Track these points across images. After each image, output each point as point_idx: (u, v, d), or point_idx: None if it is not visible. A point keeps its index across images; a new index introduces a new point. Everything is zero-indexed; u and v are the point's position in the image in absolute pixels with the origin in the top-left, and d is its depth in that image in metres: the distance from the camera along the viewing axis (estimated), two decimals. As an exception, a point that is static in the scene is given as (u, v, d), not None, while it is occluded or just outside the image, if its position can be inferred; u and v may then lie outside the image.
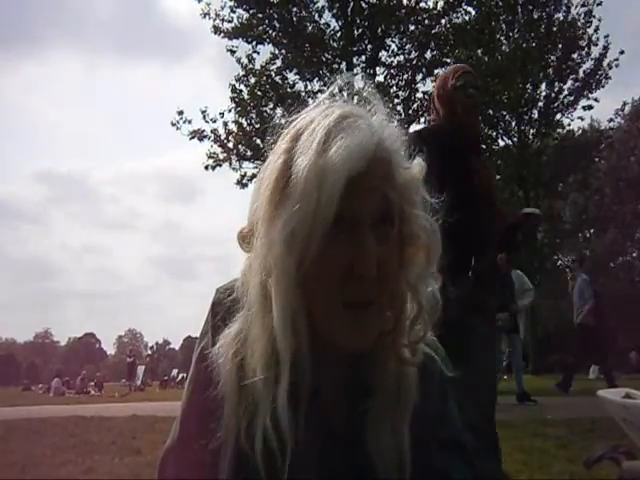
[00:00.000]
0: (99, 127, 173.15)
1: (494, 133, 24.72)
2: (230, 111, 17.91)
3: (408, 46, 18.05)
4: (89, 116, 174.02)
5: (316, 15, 17.75)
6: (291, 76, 17.95)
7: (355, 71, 17.75)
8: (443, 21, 17.69)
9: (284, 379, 0.77)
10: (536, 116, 26.43)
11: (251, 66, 17.85)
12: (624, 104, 33.03)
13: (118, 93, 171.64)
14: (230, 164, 17.81)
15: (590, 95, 25.52)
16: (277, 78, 17.77)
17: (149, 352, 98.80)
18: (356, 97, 0.89)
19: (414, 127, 18.09)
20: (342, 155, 0.75)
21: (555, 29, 24.25)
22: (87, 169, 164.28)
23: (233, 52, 17.91)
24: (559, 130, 26.65)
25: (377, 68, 18.07)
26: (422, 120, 18.67)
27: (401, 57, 18.20)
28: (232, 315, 0.85)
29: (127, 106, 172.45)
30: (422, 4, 17.47)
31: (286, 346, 0.77)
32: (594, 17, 24.60)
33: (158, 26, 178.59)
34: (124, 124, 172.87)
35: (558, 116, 26.27)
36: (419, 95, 18.52)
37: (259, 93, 17.76)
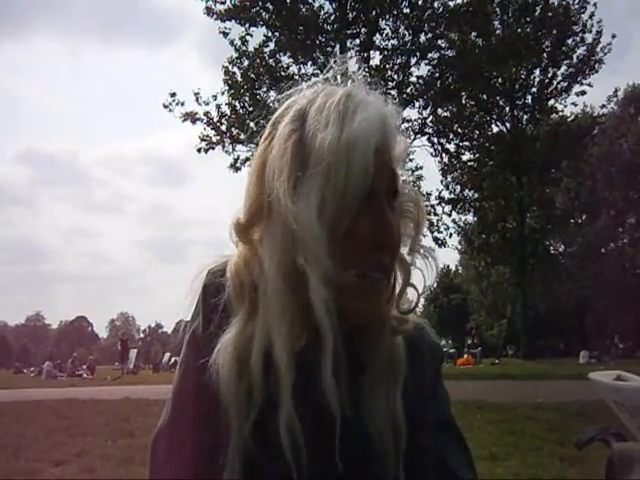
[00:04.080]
0: (85, 109, 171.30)
1: (488, 118, 24.70)
2: (223, 94, 17.80)
3: (402, 29, 17.95)
4: (75, 98, 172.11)
5: (310, -3, 17.58)
6: (285, 59, 17.83)
7: (349, 54, 17.61)
8: (436, 4, 17.57)
9: (328, 351, 0.76)
10: (530, 101, 26.43)
11: (244, 48, 17.68)
12: (616, 90, 33.03)
13: (104, 75, 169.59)
14: (223, 147, 17.72)
15: (584, 81, 25.56)
16: (271, 61, 17.63)
17: (141, 335, 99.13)
18: (349, 81, 0.88)
19: (408, 111, 18.08)
20: (367, 127, 0.77)
21: (550, 14, 24.16)
22: (74, 151, 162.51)
23: (226, 34, 17.74)
24: (552, 116, 26.66)
25: (371, 52, 17.97)
26: (416, 104, 18.65)
27: (395, 41, 18.11)
28: (223, 298, 0.84)
29: (113, 88, 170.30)
30: (416, -13, 17.34)
31: (327, 315, 0.75)
32: (588, 3, 24.57)
33: (144, 8, 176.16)
34: (110, 106, 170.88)
35: (552, 102, 26.31)
36: (413, 79, 18.47)
37: (252, 76, 17.62)
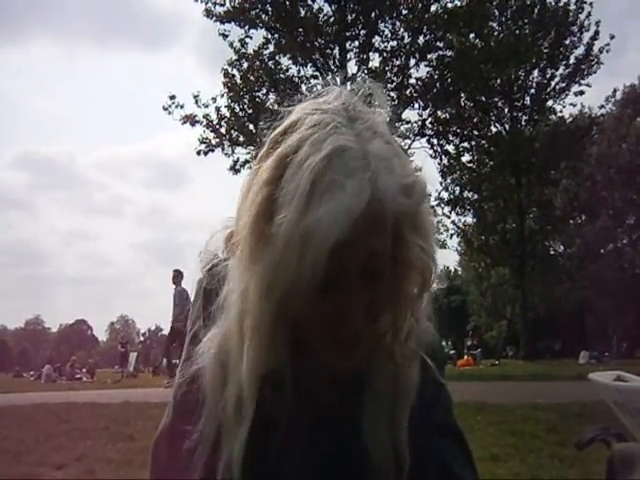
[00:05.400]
0: (82, 112, 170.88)
1: (486, 119, 24.71)
2: (223, 96, 17.81)
3: (401, 31, 17.97)
4: (72, 101, 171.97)
5: (309, -1, 17.60)
6: (284, 61, 17.83)
7: (348, 56, 17.65)
8: (435, 6, 17.58)
9: (244, 429, 0.77)
10: (528, 102, 26.46)
11: (244, 50, 17.70)
12: (614, 91, 32.99)
13: (101, 78, 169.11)
14: (223, 149, 17.73)
15: (582, 81, 25.59)
16: (270, 63, 17.63)
17: (141, 338, 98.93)
18: (354, 88, 0.83)
19: (408, 112, 18.11)
20: (327, 221, 0.69)
21: (548, 15, 24.20)
22: (71, 154, 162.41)
23: (225, 36, 17.76)
24: (551, 116, 26.69)
25: (370, 54, 18.00)
26: (415, 106, 18.66)
27: (394, 42, 18.11)
28: (221, 297, 0.84)
29: (110, 91, 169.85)
30: (415, -12, 17.37)
31: (251, 397, 0.77)
32: (585, 3, 24.61)
33: (141, 11, 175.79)
34: (108, 109, 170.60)
35: (550, 102, 26.34)
36: (412, 81, 18.49)
37: (252, 78, 17.63)
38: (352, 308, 0.75)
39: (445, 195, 23.70)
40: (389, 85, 17.36)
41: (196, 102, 17.71)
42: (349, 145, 0.73)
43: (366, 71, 17.06)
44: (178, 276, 11.81)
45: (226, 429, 0.79)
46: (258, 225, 0.74)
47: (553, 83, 25.83)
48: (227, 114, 17.68)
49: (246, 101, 17.59)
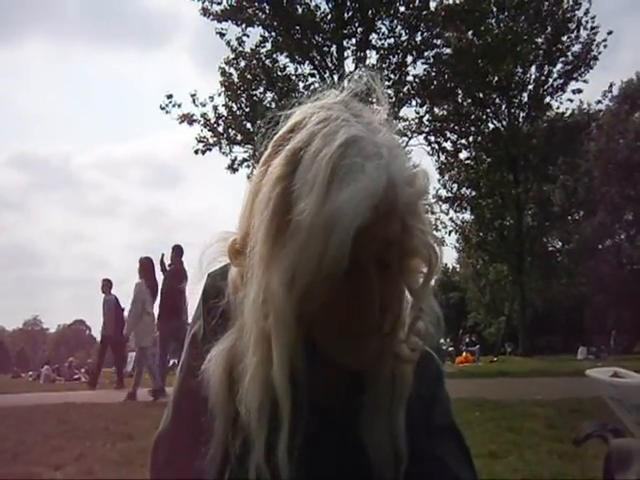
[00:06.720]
0: (77, 112, 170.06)
1: (484, 115, 24.73)
2: (220, 95, 17.83)
3: (398, 28, 17.99)
4: (67, 101, 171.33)
5: (306, -3, 17.60)
6: (281, 59, 17.87)
7: (346, 54, 17.66)
8: (433, 3, 17.60)
9: (285, 429, 0.76)
10: (526, 99, 26.49)
11: (241, 49, 17.71)
12: (611, 85, 33.03)
13: (96, 78, 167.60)
14: (220, 148, 17.75)
15: (579, 78, 25.63)
16: (267, 61, 17.64)
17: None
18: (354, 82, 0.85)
19: (405, 109, 18.12)
20: (350, 206, 0.69)
21: (545, 11, 24.22)
22: (66, 154, 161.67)
23: (222, 35, 17.75)
24: (548, 113, 26.73)
25: (367, 51, 18.02)
26: (413, 103, 18.68)
27: (391, 40, 18.15)
28: (222, 302, 0.83)
29: (106, 91, 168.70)
30: (412, -14, 17.37)
31: (286, 390, 0.75)
32: (583, -1, 24.64)
33: (136, 10, 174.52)
34: (103, 109, 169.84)
35: (547, 99, 26.37)
36: (409, 78, 18.51)
37: (249, 77, 17.64)
38: (369, 296, 0.75)
39: (443, 192, 23.79)
40: (386, 83, 17.37)
41: (193, 101, 17.78)
42: (361, 135, 0.74)
43: (363, 69, 17.06)
44: (107, 285, 11.95)
45: (255, 435, 0.77)
46: (275, 222, 0.73)
47: (551, 80, 25.88)
48: (224, 113, 17.72)
49: (243, 99, 17.62)
